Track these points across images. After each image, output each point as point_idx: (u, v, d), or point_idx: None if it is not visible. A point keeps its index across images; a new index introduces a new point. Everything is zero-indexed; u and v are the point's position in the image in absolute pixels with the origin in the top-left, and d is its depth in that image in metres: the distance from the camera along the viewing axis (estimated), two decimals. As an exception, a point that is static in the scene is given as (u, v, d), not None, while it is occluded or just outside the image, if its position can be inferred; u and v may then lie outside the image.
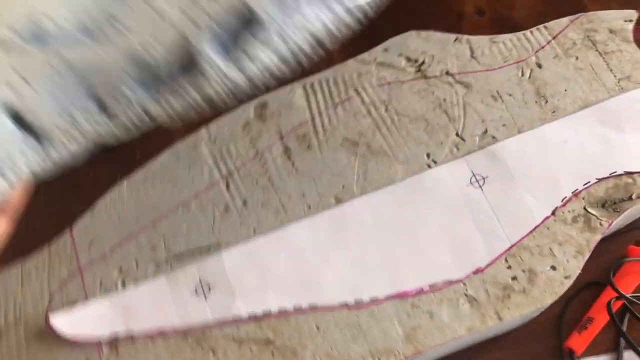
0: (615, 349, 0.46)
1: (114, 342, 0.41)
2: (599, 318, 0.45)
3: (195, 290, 0.42)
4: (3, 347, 0.41)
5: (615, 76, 0.45)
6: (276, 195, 0.44)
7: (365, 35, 0.59)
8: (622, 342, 0.45)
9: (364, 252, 0.42)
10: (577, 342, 0.45)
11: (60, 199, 0.54)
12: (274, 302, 0.41)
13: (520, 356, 0.46)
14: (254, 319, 0.41)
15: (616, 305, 0.45)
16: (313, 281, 0.42)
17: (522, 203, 0.42)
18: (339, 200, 0.44)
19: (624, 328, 0.45)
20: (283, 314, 0.41)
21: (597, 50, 0.46)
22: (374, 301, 0.41)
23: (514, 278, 0.40)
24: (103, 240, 0.44)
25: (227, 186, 0.45)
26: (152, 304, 0.41)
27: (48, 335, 0.41)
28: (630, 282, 0.46)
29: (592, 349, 0.46)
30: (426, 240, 0.42)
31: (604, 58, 0.46)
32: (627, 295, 0.45)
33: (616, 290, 0.45)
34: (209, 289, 0.42)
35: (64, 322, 0.41)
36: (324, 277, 0.42)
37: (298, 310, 0.41)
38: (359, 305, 0.41)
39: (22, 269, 0.43)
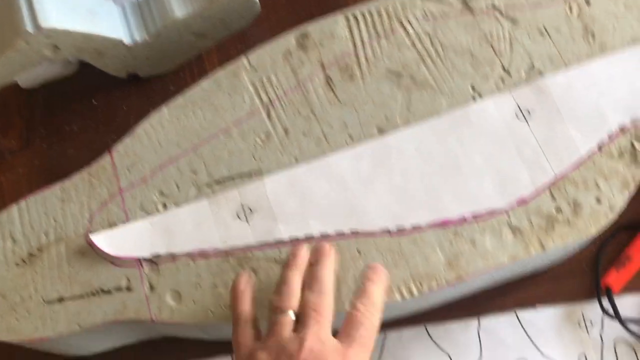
0: (652, 289, 0.46)
1: (155, 261, 0.41)
2: (638, 257, 0.45)
3: (237, 214, 0.42)
4: (45, 262, 0.41)
5: (666, 14, 0.45)
6: (318, 125, 0.44)
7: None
8: (660, 282, 0.45)
9: (406, 182, 0.42)
10: (615, 279, 0.45)
11: (94, 130, 0.54)
12: (315, 228, 0.41)
13: (556, 293, 0.46)
14: (296, 242, 0.41)
15: (655, 246, 0.45)
16: (355, 209, 0.41)
17: (568, 137, 0.42)
18: (381, 131, 0.43)
19: (663, 269, 0.45)
20: (325, 238, 0.41)
21: (648, -12, 0.46)
22: (416, 228, 0.41)
23: (558, 209, 0.40)
24: (143, 163, 0.43)
25: (268, 114, 0.44)
26: (193, 226, 0.41)
27: (89, 253, 0.41)
28: (671, 224, 0.46)
29: (628, 288, 0.46)
30: (470, 172, 0.42)
31: (655, -4, 0.45)
32: (667, 236, 0.45)
33: (656, 230, 0.45)
34: (251, 212, 0.42)
35: (105, 241, 0.41)
36: (366, 205, 0.41)
37: (340, 235, 0.41)
38: (400, 232, 0.40)
39: (62, 189, 0.43)
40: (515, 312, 0.46)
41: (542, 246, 0.39)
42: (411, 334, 0.46)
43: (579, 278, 0.47)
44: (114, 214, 0.42)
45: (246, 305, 0.37)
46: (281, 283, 0.36)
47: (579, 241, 0.40)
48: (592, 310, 0.46)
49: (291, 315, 0.35)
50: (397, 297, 0.39)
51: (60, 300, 0.40)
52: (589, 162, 0.41)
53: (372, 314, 0.35)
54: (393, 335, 0.46)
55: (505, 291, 0.47)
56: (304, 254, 0.37)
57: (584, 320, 0.46)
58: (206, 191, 0.42)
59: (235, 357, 0.35)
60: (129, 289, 0.40)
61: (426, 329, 0.46)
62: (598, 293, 0.45)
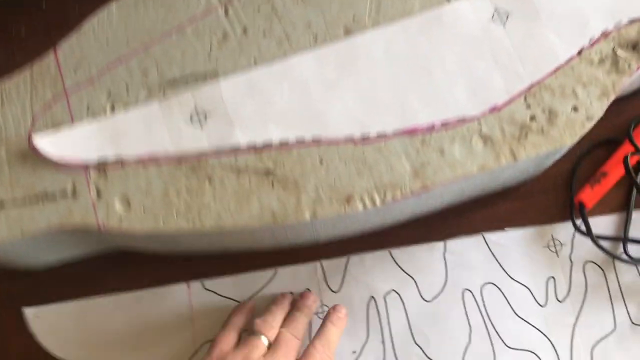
0: (625, 209, 0.44)
1: (102, 166, 0.38)
2: (613, 173, 0.44)
3: (190, 118, 0.39)
4: (-17, 166, 0.38)
5: None
6: (280, 24, 0.40)
7: None
8: (633, 198, 0.44)
9: (373, 87, 0.39)
10: (589, 195, 0.43)
11: (43, 34, 0.51)
12: (275, 134, 0.38)
13: (527, 209, 0.45)
14: (254, 149, 0.38)
15: (632, 162, 0.43)
16: (317, 115, 0.39)
17: (546, 42, 0.39)
18: (348, 32, 0.40)
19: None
20: (285, 145, 0.38)
21: None
22: (382, 136, 0.38)
23: (532, 117, 0.38)
24: (90, 62, 0.40)
25: (226, 12, 0.41)
26: (144, 130, 0.39)
27: (31, 156, 0.38)
28: (649, 140, 0.44)
29: (602, 206, 0.44)
30: (441, 78, 0.39)
31: None
32: (645, 151, 0.43)
33: (634, 145, 0.43)
34: (205, 117, 0.39)
35: (48, 144, 0.38)
36: (330, 111, 0.39)
37: (301, 143, 0.38)
38: (365, 140, 0.38)
39: (2, 89, 0.40)
40: (483, 235, 0.44)
41: (514, 156, 0.37)
42: (375, 259, 0.44)
43: (552, 195, 0.45)
44: (58, 116, 0.39)
45: (242, 317, 0.42)
46: (267, 313, 0.41)
47: (552, 151, 0.38)
48: (561, 232, 0.44)
49: (264, 342, 0.39)
50: (359, 206, 0.37)
51: (1, 205, 0.38)
52: (567, 69, 0.39)
53: (327, 356, 0.39)
54: (356, 260, 0.44)
55: (476, 207, 0.45)
56: (290, 297, 0.43)
57: (553, 242, 0.44)
58: (157, 94, 0.39)
59: (207, 353, 0.39)
60: (74, 194, 0.38)
61: (390, 254, 0.44)
62: (571, 209, 0.44)
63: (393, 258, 0.45)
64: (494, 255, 0.44)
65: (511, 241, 0.44)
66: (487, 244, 0.44)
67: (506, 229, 0.45)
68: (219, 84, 0.39)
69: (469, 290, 0.44)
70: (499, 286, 0.44)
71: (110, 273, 0.45)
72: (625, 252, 0.42)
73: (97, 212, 0.37)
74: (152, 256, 0.44)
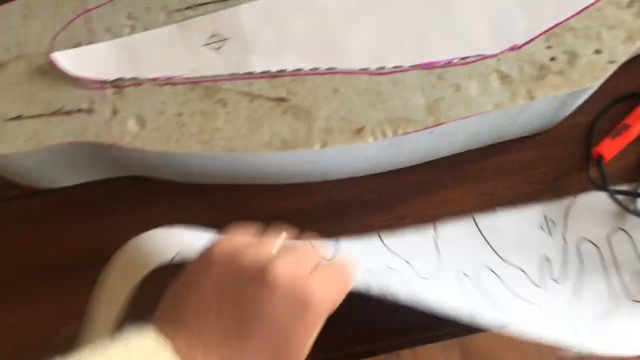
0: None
1: (119, 85, 0.38)
2: (636, 125, 0.42)
3: (208, 42, 0.39)
4: (4, 79, 0.39)
5: None
6: (303, -46, 0.40)
7: None
8: (653, 153, 0.43)
9: (393, 20, 0.39)
10: (609, 147, 0.42)
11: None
12: (290, 62, 0.38)
13: (542, 159, 0.44)
14: (269, 76, 0.38)
15: (655, 115, 0.42)
16: (334, 45, 0.38)
17: (574, -18, 0.38)
18: (371, -36, 0.39)
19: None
20: (299, 73, 0.38)
21: None
22: (398, 69, 0.38)
23: (552, 58, 0.37)
24: (112, -17, 0.40)
25: (250, -61, 0.40)
26: (162, 51, 0.39)
27: (50, 72, 0.39)
28: (675, 94, 0.43)
29: (619, 161, 0.43)
30: (462, 13, 0.38)
31: None
32: (670, 104, 0.42)
33: (658, 98, 0.41)
34: (223, 41, 0.39)
35: (67, 61, 0.39)
36: (347, 42, 0.38)
37: (315, 72, 0.38)
38: (380, 72, 0.38)
39: (25, 5, 0.40)
40: (473, 218, 0.43)
41: (531, 95, 0.37)
42: (364, 243, 0.42)
43: (568, 146, 0.44)
44: (78, 34, 0.40)
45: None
46: None
47: (570, 94, 0.37)
48: (554, 211, 0.43)
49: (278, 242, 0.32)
50: (370, 138, 0.37)
51: (19, 117, 0.38)
52: (593, 10, 0.38)
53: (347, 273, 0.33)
54: (344, 244, 0.41)
55: (490, 154, 0.44)
56: None
57: (545, 222, 0.43)
58: (177, 16, 0.39)
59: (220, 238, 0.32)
60: (90, 111, 0.38)
61: (380, 238, 0.42)
62: (588, 160, 0.43)
63: (383, 243, 0.42)
64: (485, 238, 0.42)
65: (503, 223, 0.42)
66: (477, 226, 0.43)
67: (497, 209, 0.43)
68: (238, 9, 0.39)
69: (465, 275, 0.41)
70: (493, 269, 0.42)
71: (121, 197, 0.45)
72: (636, 207, 0.41)
73: (111, 129, 0.38)
74: (164, 183, 0.45)
